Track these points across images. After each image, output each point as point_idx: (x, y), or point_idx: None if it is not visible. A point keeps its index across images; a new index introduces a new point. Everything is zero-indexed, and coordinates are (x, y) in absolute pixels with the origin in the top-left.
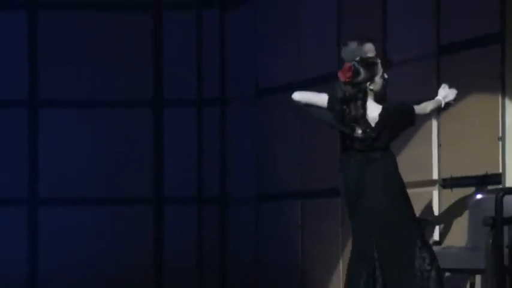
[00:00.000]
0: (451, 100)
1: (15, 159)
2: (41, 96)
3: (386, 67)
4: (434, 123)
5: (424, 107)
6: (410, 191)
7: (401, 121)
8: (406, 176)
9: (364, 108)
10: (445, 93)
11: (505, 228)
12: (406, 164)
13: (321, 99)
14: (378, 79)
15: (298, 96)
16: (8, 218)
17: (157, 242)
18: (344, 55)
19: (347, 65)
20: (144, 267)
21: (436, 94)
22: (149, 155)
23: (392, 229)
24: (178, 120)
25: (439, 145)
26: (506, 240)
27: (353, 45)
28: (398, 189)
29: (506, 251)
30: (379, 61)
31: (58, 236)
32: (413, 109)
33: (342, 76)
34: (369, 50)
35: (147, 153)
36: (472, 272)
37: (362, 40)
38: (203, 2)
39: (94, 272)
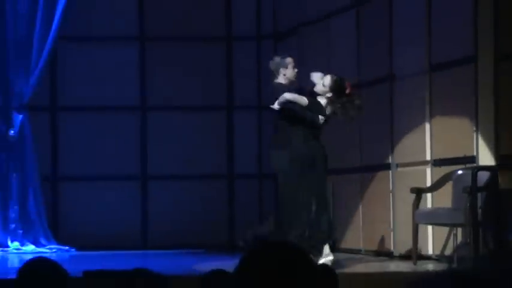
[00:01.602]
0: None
1: (131, 147)
2: (149, 103)
3: (391, 81)
4: (427, 120)
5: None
6: (410, 169)
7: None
8: (407, 157)
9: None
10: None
11: (478, 194)
12: (408, 149)
13: (302, 100)
14: None
15: (288, 96)
16: (126, 190)
17: (230, 206)
18: (271, 66)
19: (349, 83)
20: (220, 225)
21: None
22: (224, 144)
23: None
24: (244, 120)
25: (431, 135)
26: (479, 203)
27: (277, 59)
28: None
29: (479, 210)
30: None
31: (162, 203)
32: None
33: (351, 89)
34: (289, 62)
35: (223, 143)
36: (455, 226)
37: (284, 55)
38: (261, 35)
39: (187, 230)
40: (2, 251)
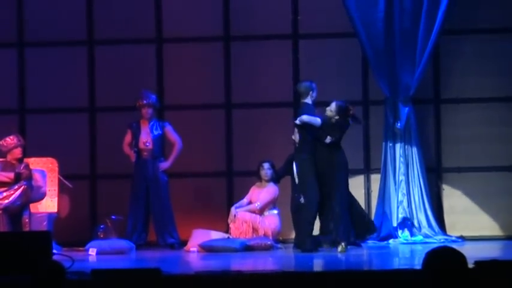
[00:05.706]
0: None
1: None
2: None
3: None
4: None
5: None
6: None
7: None
8: None
9: None
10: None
11: None
12: None
13: (316, 121)
14: None
15: (305, 118)
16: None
17: None
18: (301, 88)
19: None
20: None
21: None
22: None
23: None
24: None
25: None
26: None
27: (307, 83)
28: None
29: None
30: None
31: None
32: None
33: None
34: (315, 86)
35: None
36: None
37: (311, 81)
38: None
39: None
40: (393, 241)
